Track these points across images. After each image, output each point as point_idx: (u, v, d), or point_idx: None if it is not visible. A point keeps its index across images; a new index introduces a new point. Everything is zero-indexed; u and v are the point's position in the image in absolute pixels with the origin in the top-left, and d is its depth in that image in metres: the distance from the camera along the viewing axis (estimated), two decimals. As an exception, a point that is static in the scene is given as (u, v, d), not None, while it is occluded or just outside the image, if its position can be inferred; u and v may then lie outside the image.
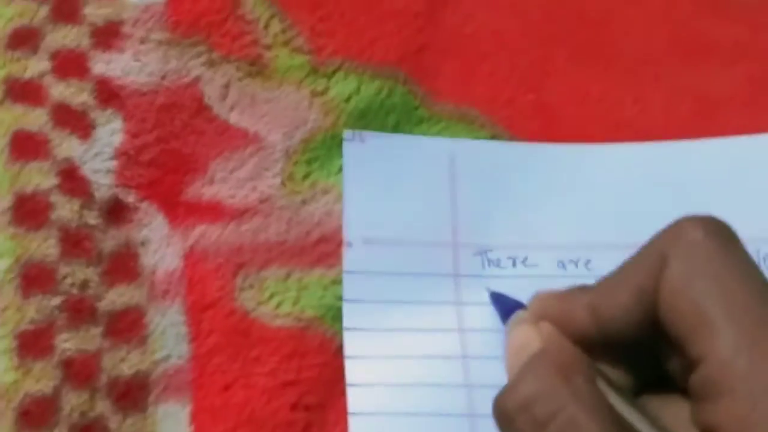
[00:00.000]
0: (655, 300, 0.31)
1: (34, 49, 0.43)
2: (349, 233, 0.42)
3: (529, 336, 0.33)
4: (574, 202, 0.43)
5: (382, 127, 0.44)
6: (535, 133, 0.45)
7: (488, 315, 0.41)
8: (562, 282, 0.40)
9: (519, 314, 0.35)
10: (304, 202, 0.42)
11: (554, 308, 0.33)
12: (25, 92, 0.42)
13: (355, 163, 0.43)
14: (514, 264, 0.41)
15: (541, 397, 0.30)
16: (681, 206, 0.43)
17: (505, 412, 0.31)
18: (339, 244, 0.42)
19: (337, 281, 0.41)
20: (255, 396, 0.40)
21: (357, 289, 0.41)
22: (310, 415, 0.40)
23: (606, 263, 0.41)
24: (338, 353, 0.40)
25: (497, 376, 0.39)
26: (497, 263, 0.41)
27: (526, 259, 0.42)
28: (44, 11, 0.43)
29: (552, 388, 0.30)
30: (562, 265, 0.42)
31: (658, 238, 0.33)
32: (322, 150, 0.43)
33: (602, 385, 0.31)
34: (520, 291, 0.40)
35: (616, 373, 0.33)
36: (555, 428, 0.29)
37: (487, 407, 0.38)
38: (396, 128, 0.44)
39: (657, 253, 0.32)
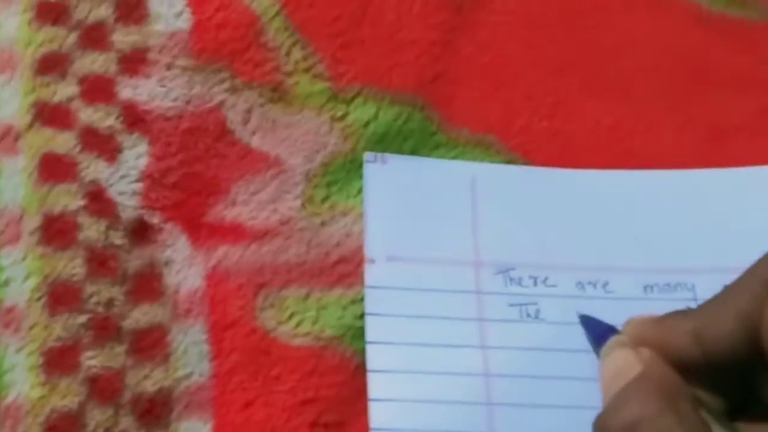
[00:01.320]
0: (758, 326, 0.31)
1: (63, 74, 0.44)
2: (371, 250, 0.43)
3: (629, 360, 0.33)
4: (591, 225, 0.44)
5: (399, 152, 0.45)
6: (548, 160, 0.46)
7: (510, 332, 0.42)
8: (581, 302, 0.42)
9: (616, 339, 0.35)
10: (323, 223, 0.44)
11: (653, 334, 0.33)
12: (54, 116, 0.43)
13: (377, 183, 0.44)
14: (535, 283, 0.43)
15: (646, 421, 0.30)
16: (690, 232, 0.44)
17: (607, 430, 0.31)
18: (358, 264, 0.43)
19: (356, 301, 0.42)
20: (275, 413, 0.40)
21: (380, 304, 0.42)
22: (329, 433, 0.41)
23: (622, 286, 0.43)
24: (357, 372, 0.41)
25: (518, 393, 0.41)
26: (519, 282, 0.43)
27: (546, 279, 0.43)
28: (73, 38, 0.45)
29: (658, 413, 0.30)
30: (581, 285, 0.43)
31: (763, 263, 0.33)
32: (342, 173, 0.44)
33: (702, 412, 0.31)
34: (543, 310, 0.42)
35: (710, 398, 0.33)
36: None
37: (507, 425, 0.40)
38: (413, 153, 0.45)
39: (761, 280, 0.32)
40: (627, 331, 0.34)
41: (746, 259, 0.43)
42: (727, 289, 0.33)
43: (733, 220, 0.44)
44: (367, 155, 0.44)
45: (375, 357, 0.41)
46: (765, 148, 0.47)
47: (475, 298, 0.42)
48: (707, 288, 0.42)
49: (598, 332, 0.36)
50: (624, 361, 0.33)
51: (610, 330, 0.35)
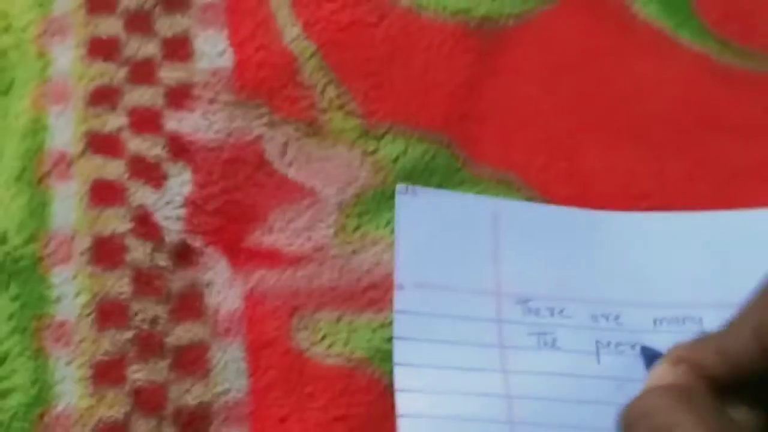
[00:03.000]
0: None
1: (113, 107, 0.47)
2: (400, 277, 0.45)
3: (665, 371, 0.35)
4: (605, 262, 0.47)
5: (426, 186, 0.47)
6: (566, 198, 0.48)
7: (529, 358, 0.44)
8: (594, 333, 0.45)
9: (661, 359, 0.37)
10: (354, 251, 0.46)
11: (689, 354, 0.35)
12: (105, 145, 0.46)
13: (407, 213, 0.46)
14: (552, 314, 0.45)
15: (662, 409, 0.33)
16: (699, 269, 0.47)
17: (627, 418, 0.34)
18: (387, 290, 0.45)
19: (385, 325, 0.44)
20: (309, 429, 0.42)
21: (407, 328, 0.44)
22: (358, 449, 0.43)
23: (633, 319, 0.45)
24: (385, 392, 0.43)
25: (538, 413, 0.43)
26: (536, 312, 0.45)
27: (563, 310, 0.45)
28: (123, 73, 0.48)
29: (672, 406, 0.33)
30: (594, 318, 0.45)
31: None
32: (372, 204, 0.47)
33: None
34: (560, 339, 0.44)
35: (750, 416, 0.34)
36: None
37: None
38: (439, 187, 0.47)
39: None
40: (670, 352, 0.36)
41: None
42: (747, 306, 0.35)
43: (739, 259, 0.47)
44: (400, 187, 0.47)
45: (402, 378, 0.43)
46: (773, 191, 0.49)
47: (496, 326, 0.44)
48: (714, 322, 0.45)
49: (651, 358, 0.38)
50: (660, 373, 0.35)
51: (661, 355, 0.37)
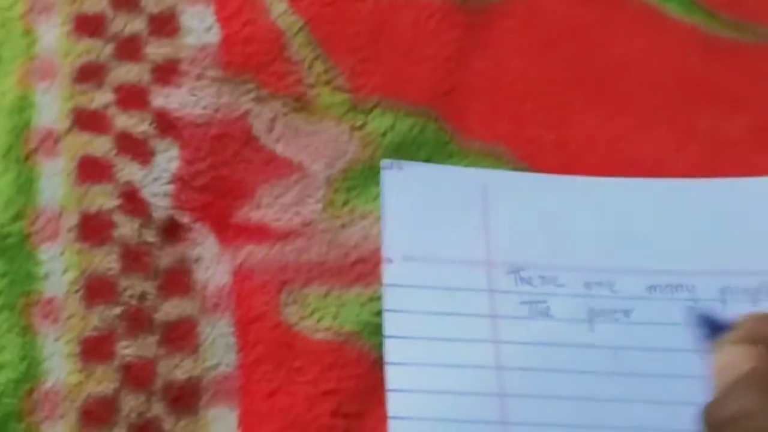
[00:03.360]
0: None
1: (100, 83, 0.47)
2: (388, 251, 0.45)
3: (741, 354, 0.34)
4: (597, 229, 0.47)
5: (414, 160, 0.47)
6: (554, 169, 0.48)
7: (521, 328, 0.44)
8: (588, 301, 0.45)
9: (732, 334, 0.36)
10: (343, 226, 0.46)
11: (767, 331, 0.35)
12: (92, 121, 0.46)
13: (394, 188, 0.46)
14: (544, 283, 0.45)
15: (752, 414, 0.32)
16: (690, 237, 0.47)
17: (716, 419, 0.32)
18: (375, 264, 0.45)
19: (374, 298, 0.45)
20: (297, 402, 0.43)
21: (397, 300, 0.44)
22: (348, 422, 0.43)
23: (627, 286, 0.45)
24: (375, 365, 0.43)
25: (528, 385, 0.43)
26: (529, 281, 0.45)
27: (556, 278, 0.45)
28: (109, 49, 0.47)
29: (764, 409, 0.32)
30: (588, 285, 0.45)
31: None
32: (361, 179, 0.47)
33: None
34: (553, 307, 0.44)
35: None
36: None
37: (517, 414, 0.42)
38: (428, 161, 0.47)
39: None
40: (744, 326, 0.35)
41: (742, 262, 0.46)
42: None
43: (729, 227, 0.47)
44: (384, 162, 0.47)
45: (393, 350, 0.43)
46: (759, 161, 0.49)
47: (488, 295, 0.45)
48: (706, 289, 0.46)
49: (713, 327, 0.37)
50: (736, 356, 0.34)
51: (726, 325, 0.36)
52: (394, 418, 0.42)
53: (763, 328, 0.35)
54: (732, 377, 0.33)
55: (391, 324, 0.44)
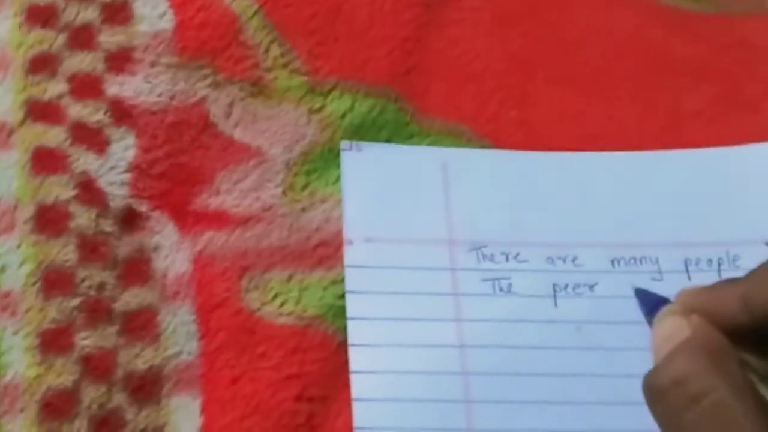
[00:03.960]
0: None
1: (53, 73, 0.46)
2: (349, 232, 0.45)
3: (679, 325, 0.34)
4: (559, 204, 0.46)
5: (375, 141, 0.47)
6: (517, 146, 0.48)
7: (484, 305, 0.44)
8: (551, 276, 0.45)
9: (668, 307, 0.36)
10: (303, 209, 0.46)
11: (703, 301, 0.35)
12: (45, 112, 0.45)
13: (353, 169, 0.46)
14: (507, 259, 0.45)
15: (694, 376, 0.32)
16: (653, 210, 0.47)
17: (656, 386, 0.33)
18: (337, 247, 0.45)
19: (336, 281, 0.44)
20: (261, 389, 0.42)
21: (359, 282, 0.44)
22: (313, 406, 0.42)
23: (590, 260, 0.45)
24: (339, 349, 0.43)
25: (492, 363, 0.43)
26: (491, 258, 0.45)
27: (518, 254, 0.45)
28: (62, 39, 0.47)
29: (704, 369, 0.32)
30: (551, 260, 0.45)
31: None
32: (320, 162, 0.46)
33: (748, 373, 0.33)
34: (515, 284, 0.44)
35: (757, 362, 0.34)
36: (707, 405, 0.31)
37: (481, 393, 0.42)
38: (388, 142, 0.47)
39: None
40: (678, 300, 0.36)
41: (705, 233, 0.46)
42: None
43: (691, 199, 0.47)
44: (343, 144, 0.46)
45: (356, 332, 0.43)
46: (721, 131, 0.49)
47: (450, 274, 0.44)
48: (670, 261, 0.45)
49: (651, 303, 0.37)
50: (674, 326, 0.34)
51: (662, 300, 0.37)
52: (358, 400, 0.42)
53: (697, 300, 0.35)
54: (670, 347, 0.33)
55: (353, 305, 0.43)
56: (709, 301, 0.35)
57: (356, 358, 0.43)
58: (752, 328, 0.34)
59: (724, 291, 0.35)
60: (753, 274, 0.35)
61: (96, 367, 0.42)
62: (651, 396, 0.33)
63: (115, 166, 0.45)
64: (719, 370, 0.32)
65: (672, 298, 0.36)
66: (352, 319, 0.43)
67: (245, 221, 0.45)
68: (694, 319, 0.34)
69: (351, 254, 0.44)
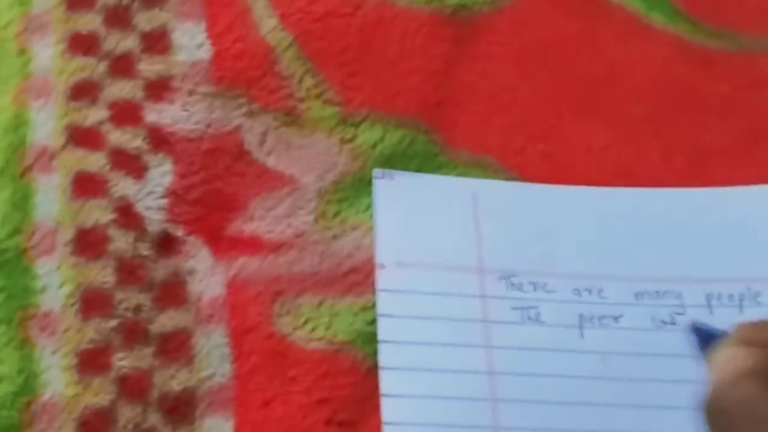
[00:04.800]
0: None
1: (94, 100, 0.47)
2: (381, 256, 0.46)
3: (740, 354, 0.34)
4: (585, 237, 0.47)
5: (404, 171, 0.48)
6: (543, 180, 0.49)
7: (513, 333, 0.45)
8: (578, 306, 0.45)
9: (727, 339, 0.36)
10: (335, 237, 0.47)
11: (762, 335, 0.35)
12: (86, 138, 0.47)
13: (385, 196, 0.47)
14: (535, 289, 0.46)
15: (754, 402, 0.32)
16: (677, 245, 0.47)
17: (717, 409, 0.33)
18: (367, 274, 0.46)
19: (367, 308, 0.45)
20: (292, 412, 0.43)
21: (391, 305, 0.45)
22: (343, 430, 0.43)
23: (615, 293, 0.46)
24: (369, 374, 0.44)
25: (520, 390, 0.44)
26: (520, 287, 0.46)
27: (545, 285, 0.46)
28: (103, 67, 0.48)
29: (765, 397, 0.32)
30: (577, 292, 0.46)
31: None
32: (351, 191, 0.48)
33: None
34: (544, 313, 0.45)
35: None
36: None
37: (510, 419, 0.43)
38: (417, 172, 0.48)
39: None
40: (736, 333, 0.36)
41: (727, 269, 0.47)
42: None
43: (713, 236, 0.48)
44: (376, 171, 0.48)
45: (387, 355, 0.44)
46: (745, 169, 0.50)
47: (480, 301, 0.45)
48: (692, 296, 0.46)
49: (705, 336, 0.37)
50: (735, 355, 0.34)
51: (720, 333, 0.37)
52: (388, 423, 0.43)
53: (757, 333, 0.35)
54: (732, 372, 0.34)
55: (384, 329, 0.44)
56: (766, 333, 0.35)
57: (387, 382, 0.43)
58: None
59: None
60: None
61: (132, 387, 0.42)
62: (714, 416, 0.33)
63: (152, 191, 0.46)
64: None
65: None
66: (383, 342, 0.44)
67: (278, 247, 0.46)
68: (756, 350, 0.34)
69: (383, 278, 0.45)
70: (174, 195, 0.46)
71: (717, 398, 0.33)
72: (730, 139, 0.51)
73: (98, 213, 0.45)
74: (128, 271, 0.44)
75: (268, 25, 0.50)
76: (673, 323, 0.45)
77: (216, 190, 0.47)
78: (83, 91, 0.48)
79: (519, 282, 0.46)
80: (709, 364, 0.36)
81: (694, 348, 0.38)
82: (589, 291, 0.46)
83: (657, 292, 0.46)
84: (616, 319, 0.45)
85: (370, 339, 0.45)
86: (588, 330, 0.45)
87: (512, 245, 0.47)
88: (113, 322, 0.43)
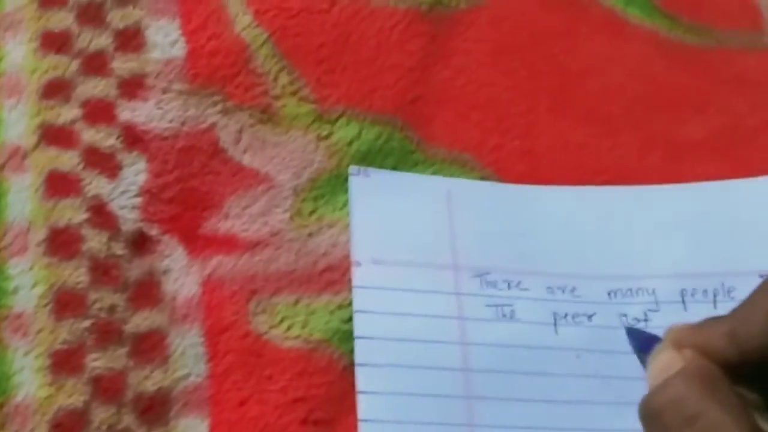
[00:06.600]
0: None
1: (67, 99, 0.47)
2: (357, 253, 0.46)
3: (672, 358, 0.35)
4: (559, 236, 0.47)
5: (381, 168, 0.48)
6: (520, 176, 0.49)
7: (487, 330, 0.45)
8: (551, 305, 0.45)
9: (661, 344, 0.37)
10: (311, 234, 0.46)
11: (692, 337, 0.36)
12: (59, 137, 0.46)
13: (361, 193, 0.47)
14: (509, 287, 0.46)
15: (689, 398, 0.33)
16: (650, 242, 0.47)
17: (652, 409, 0.33)
18: (344, 272, 0.46)
19: (343, 306, 0.45)
20: (268, 411, 0.43)
21: (366, 302, 0.45)
22: (319, 429, 0.43)
23: (588, 291, 0.46)
24: (345, 372, 0.44)
25: (495, 387, 0.44)
26: (494, 285, 0.46)
27: (519, 283, 0.46)
28: (75, 65, 0.48)
29: (699, 393, 0.33)
30: (551, 290, 0.46)
31: None
32: (327, 188, 0.47)
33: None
34: (518, 311, 0.45)
35: (748, 394, 0.35)
36: (701, 425, 0.32)
37: (484, 416, 0.43)
38: (394, 170, 0.48)
39: None
40: (668, 337, 0.37)
41: (701, 265, 0.47)
42: (757, 291, 0.35)
43: (687, 231, 0.48)
44: (352, 168, 0.47)
45: (363, 352, 0.44)
46: (720, 164, 0.50)
47: (455, 298, 0.45)
48: (666, 292, 0.46)
49: (642, 341, 0.38)
50: (668, 359, 0.35)
51: (654, 338, 0.38)
52: (364, 420, 0.42)
53: (686, 336, 0.36)
54: (664, 375, 0.34)
55: (360, 325, 0.44)
56: (697, 337, 0.36)
57: (362, 378, 0.43)
58: (741, 363, 0.35)
59: (711, 328, 0.36)
60: (737, 310, 0.36)
61: (106, 388, 0.42)
62: (647, 418, 0.34)
63: (126, 190, 0.46)
64: (713, 394, 0.33)
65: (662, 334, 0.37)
66: (359, 338, 0.44)
67: (253, 246, 0.46)
68: (686, 352, 0.35)
69: (359, 275, 0.45)
70: (148, 194, 0.46)
71: (651, 401, 0.34)
72: (706, 134, 0.51)
73: (71, 212, 0.45)
74: (102, 271, 0.44)
75: (242, 21, 0.50)
76: (646, 320, 0.45)
77: (191, 188, 0.47)
78: (56, 90, 0.47)
79: (493, 280, 0.46)
80: (648, 370, 0.37)
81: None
82: (563, 289, 0.46)
83: (630, 290, 0.46)
84: (589, 317, 0.45)
85: (346, 337, 0.44)
86: (562, 327, 0.45)
87: (487, 243, 0.47)
88: (87, 323, 0.43)
